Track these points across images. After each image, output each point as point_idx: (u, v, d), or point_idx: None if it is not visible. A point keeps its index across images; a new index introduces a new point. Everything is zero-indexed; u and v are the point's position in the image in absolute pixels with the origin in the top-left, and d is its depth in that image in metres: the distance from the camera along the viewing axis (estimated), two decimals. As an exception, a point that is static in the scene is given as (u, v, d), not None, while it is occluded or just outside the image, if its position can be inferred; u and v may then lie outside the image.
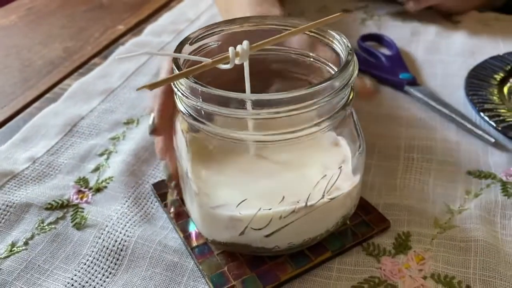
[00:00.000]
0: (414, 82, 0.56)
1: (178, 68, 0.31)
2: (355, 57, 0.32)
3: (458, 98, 0.54)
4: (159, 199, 0.42)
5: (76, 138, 0.50)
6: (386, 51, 0.64)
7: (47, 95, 0.59)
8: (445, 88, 0.56)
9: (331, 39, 0.34)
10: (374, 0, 0.79)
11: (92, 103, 0.56)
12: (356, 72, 0.31)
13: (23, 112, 0.56)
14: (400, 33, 0.69)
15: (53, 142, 0.50)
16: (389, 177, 0.44)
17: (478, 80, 0.54)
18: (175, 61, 0.31)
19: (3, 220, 0.41)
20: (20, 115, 0.56)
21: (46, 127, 0.52)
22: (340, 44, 0.33)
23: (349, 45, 0.32)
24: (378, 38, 0.67)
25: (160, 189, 0.43)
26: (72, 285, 0.36)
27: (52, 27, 0.78)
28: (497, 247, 0.37)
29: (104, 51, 0.69)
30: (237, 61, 0.30)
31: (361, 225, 0.38)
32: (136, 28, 0.76)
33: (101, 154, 0.48)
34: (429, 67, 0.61)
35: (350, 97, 0.33)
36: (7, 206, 0.42)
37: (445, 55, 0.63)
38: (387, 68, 0.59)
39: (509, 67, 0.56)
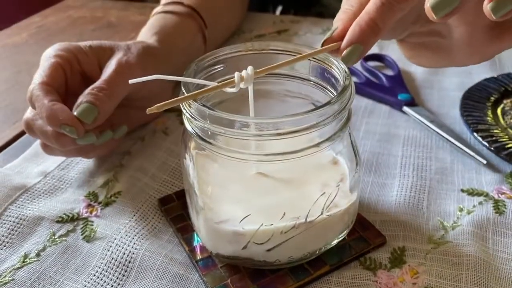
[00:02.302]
0: (412, 102, 0.58)
1: (187, 91, 0.33)
2: (352, 82, 0.34)
3: (454, 117, 0.56)
4: (165, 213, 0.44)
5: (85, 153, 0.52)
6: (388, 71, 0.66)
7: (58, 112, 0.61)
8: (441, 107, 0.58)
9: (330, 64, 0.36)
10: None
11: (101, 119, 0.58)
12: (353, 96, 0.33)
13: (34, 128, 0.58)
14: (401, 53, 0.71)
15: (63, 157, 0.51)
16: (385, 194, 0.46)
17: (473, 101, 0.56)
18: (184, 84, 0.33)
19: (16, 233, 0.42)
20: (31, 131, 0.57)
21: (56, 142, 0.54)
22: (339, 69, 0.35)
23: (346, 70, 0.34)
24: (380, 59, 0.69)
25: (166, 203, 0.44)
26: (82, 295, 0.37)
27: (62, 45, 0.80)
28: (488, 262, 0.38)
29: (112, 69, 0.71)
30: (242, 85, 0.33)
31: (359, 240, 0.40)
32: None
33: (110, 170, 0.49)
34: (427, 87, 0.63)
35: (348, 119, 0.35)
36: (20, 219, 0.43)
37: (443, 76, 0.65)
38: (387, 88, 0.61)
39: (503, 88, 0.58)
